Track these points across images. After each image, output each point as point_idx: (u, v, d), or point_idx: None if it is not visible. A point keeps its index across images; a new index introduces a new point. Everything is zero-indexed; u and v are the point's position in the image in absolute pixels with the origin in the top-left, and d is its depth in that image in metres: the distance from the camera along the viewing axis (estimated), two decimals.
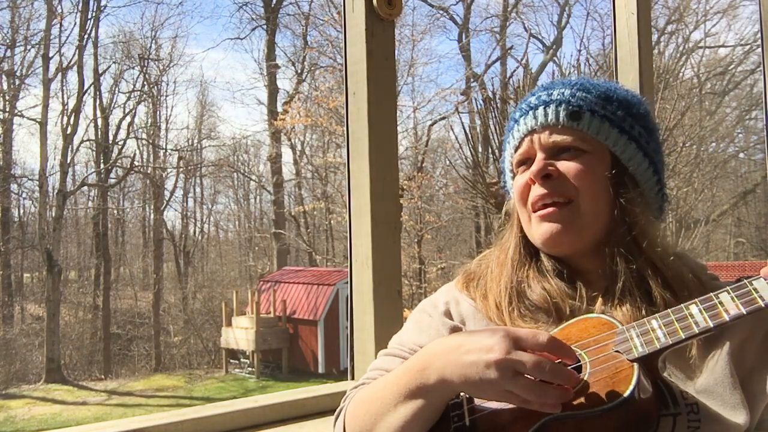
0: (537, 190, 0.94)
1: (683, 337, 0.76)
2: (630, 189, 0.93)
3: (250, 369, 18.06)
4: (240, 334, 17.81)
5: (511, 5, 23.61)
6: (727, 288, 0.76)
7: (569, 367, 0.79)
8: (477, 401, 0.83)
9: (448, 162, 19.68)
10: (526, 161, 0.98)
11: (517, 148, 1.00)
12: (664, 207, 1.02)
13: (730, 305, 0.75)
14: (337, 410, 0.98)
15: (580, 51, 20.33)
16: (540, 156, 0.95)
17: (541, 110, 0.95)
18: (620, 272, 0.90)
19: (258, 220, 27.99)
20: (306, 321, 17.81)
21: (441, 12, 23.08)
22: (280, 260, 23.96)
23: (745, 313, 0.74)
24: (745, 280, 0.76)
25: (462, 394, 0.84)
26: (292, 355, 18.13)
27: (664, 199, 1.01)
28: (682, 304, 0.79)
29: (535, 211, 0.95)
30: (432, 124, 21.39)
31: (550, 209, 0.93)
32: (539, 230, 0.94)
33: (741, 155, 21.27)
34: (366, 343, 1.63)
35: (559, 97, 0.95)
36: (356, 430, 0.90)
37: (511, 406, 0.78)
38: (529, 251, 1.00)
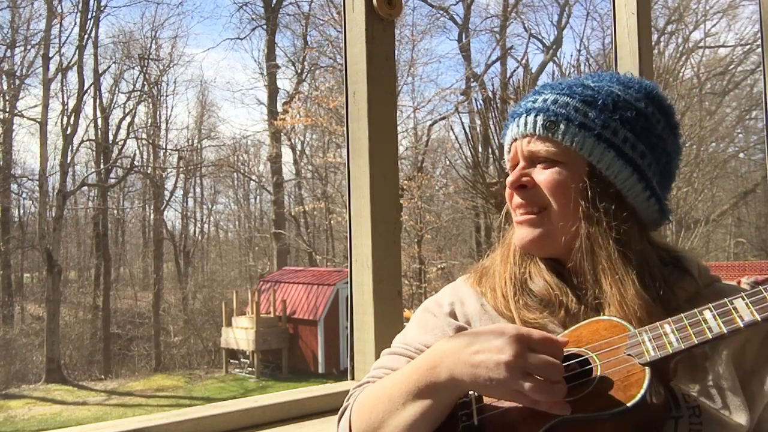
0: (515, 198, 0.98)
1: (696, 342, 0.75)
2: (608, 198, 0.90)
3: (250, 369, 18.06)
4: (240, 334, 17.80)
5: (511, 5, 23.62)
6: (742, 294, 0.76)
7: (581, 369, 0.79)
8: (486, 400, 0.83)
9: (448, 162, 19.72)
10: (513, 167, 1.01)
11: (508, 152, 1.02)
12: (658, 217, 0.97)
13: (744, 311, 0.74)
14: (342, 409, 0.98)
15: (580, 51, 20.33)
16: (521, 164, 0.97)
17: (522, 119, 0.97)
18: (595, 283, 0.89)
19: (258, 220, 28.01)
20: (306, 321, 17.81)
21: (441, 12, 23.11)
22: (280, 260, 23.95)
23: (759, 319, 0.73)
24: (761, 287, 0.76)
25: (471, 393, 0.84)
26: (292, 355, 18.13)
27: (661, 208, 0.96)
28: (695, 309, 0.78)
29: (516, 217, 0.99)
30: (432, 124, 21.40)
31: (523, 218, 0.97)
32: (516, 234, 0.99)
33: (741, 155, 21.27)
34: (366, 343, 1.63)
35: (541, 104, 0.95)
36: (363, 429, 0.89)
37: (520, 406, 0.78)
38: None
